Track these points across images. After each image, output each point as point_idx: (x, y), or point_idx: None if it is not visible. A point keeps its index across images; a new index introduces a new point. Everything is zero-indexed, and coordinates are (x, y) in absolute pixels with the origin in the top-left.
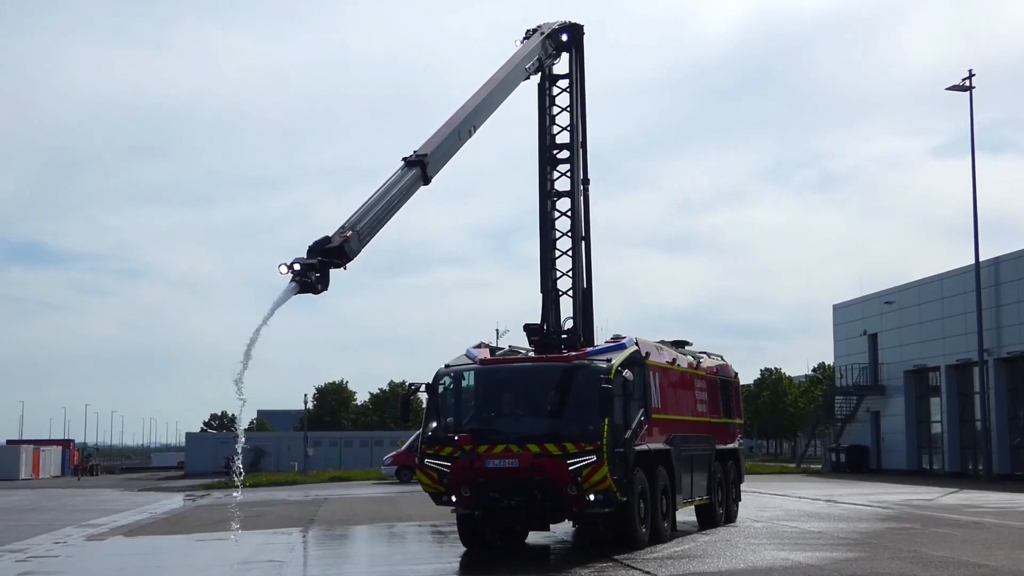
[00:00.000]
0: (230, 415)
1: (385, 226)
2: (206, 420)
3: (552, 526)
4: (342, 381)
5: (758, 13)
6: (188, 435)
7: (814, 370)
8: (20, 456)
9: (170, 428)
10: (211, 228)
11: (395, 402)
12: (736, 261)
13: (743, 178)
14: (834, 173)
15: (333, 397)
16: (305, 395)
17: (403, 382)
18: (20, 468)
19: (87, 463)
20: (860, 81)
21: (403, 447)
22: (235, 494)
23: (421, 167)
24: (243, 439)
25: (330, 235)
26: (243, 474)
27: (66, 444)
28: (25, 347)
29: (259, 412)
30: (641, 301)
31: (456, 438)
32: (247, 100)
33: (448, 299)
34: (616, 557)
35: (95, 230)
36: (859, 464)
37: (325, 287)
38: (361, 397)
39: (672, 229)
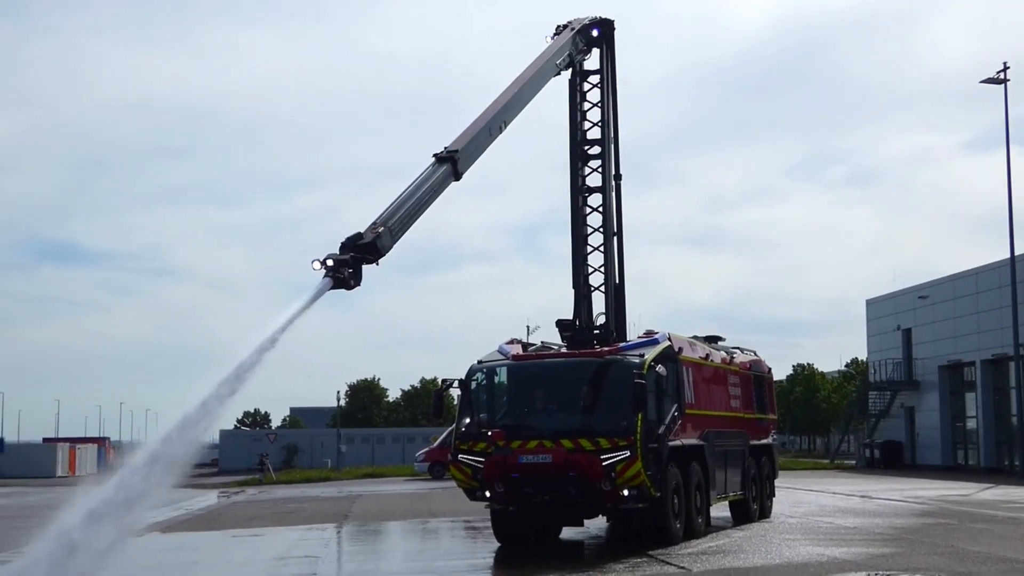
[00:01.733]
0: (263, 412)
1: (416, 222)
2: (239, 418)
3: (586, 521)
4: (374, 378)
5: (786, 9)
6: (222, 432)
7: (847, 366)
8: (56, 454)
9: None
10: (240, 227)
11: (427, 399)
12: (767, 258)
13: (772, 175)
14: (864, 169)
15: (365, 394)
16: (337, 392)
17: (435, 379)
18: (57, 466)
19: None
20: (890, 76)
21: (435, 443)
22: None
23: (452, 163)
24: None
25: (362, 231)
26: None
27: (101, 442)
28: (59, 346)
29: (292, 410)
30: (672, 297)
31: (489, 434)
32: (274, 100)
33: (478, 296)
34: (651, 553)
35: (125, 230)
36: (893, 460)
37: (358, 283)
38: (393, 394)
39: (702, 226)
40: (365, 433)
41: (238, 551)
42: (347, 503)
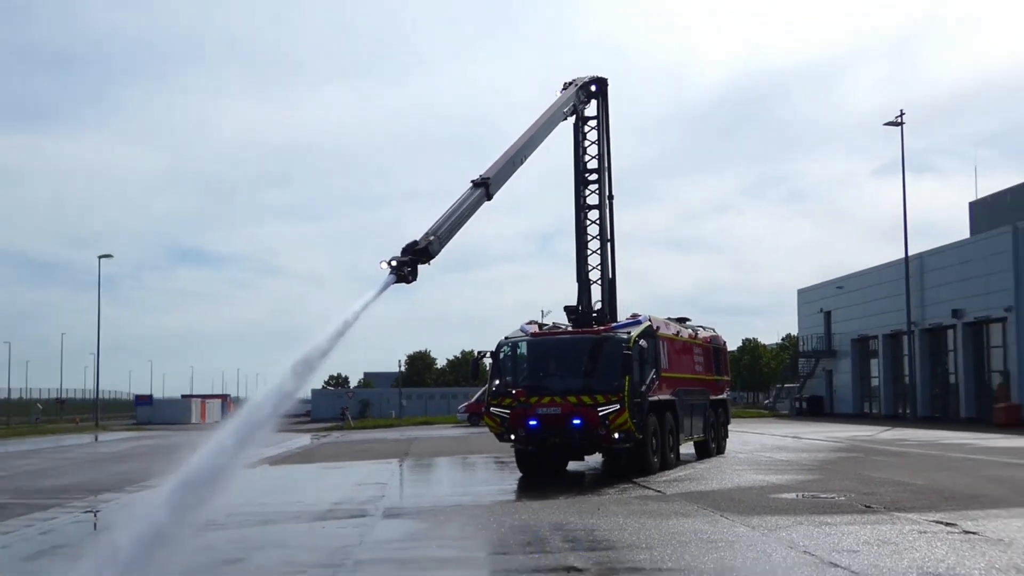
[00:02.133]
0: (343, 375)
1: (458, 233)
2: (325, 380)
3: (586, 458)
4: (426, 350)
5: (740, 66)
6: (313, 391)
7: (783, 339)
8: (191, 407)
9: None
10: (327, 236)
11: (466, 366)
12: (724, 257)
13: (731, 194)
14: (799, 190)
15: (419, 362)
16: (399, 360)
17: (472, 351)
18: (191, 415)
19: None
20: (818, 119)
21: (473, 399)
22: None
23: (485, 187)
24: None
25: (418, 240)
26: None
27: (224, 398)
28: (193, 327)
29: (365, 374)
30: (652, 288)
31: (514, 392)
32: (352, 140)
33: (504, 288)
34: (635, 480)
35: (243, 239)
36: (817, 409)
37: (415, 278)
38: (440, 362)
39: (676, 233)
40: (419, 391)
41: (327, 478)
42: (406, 444)
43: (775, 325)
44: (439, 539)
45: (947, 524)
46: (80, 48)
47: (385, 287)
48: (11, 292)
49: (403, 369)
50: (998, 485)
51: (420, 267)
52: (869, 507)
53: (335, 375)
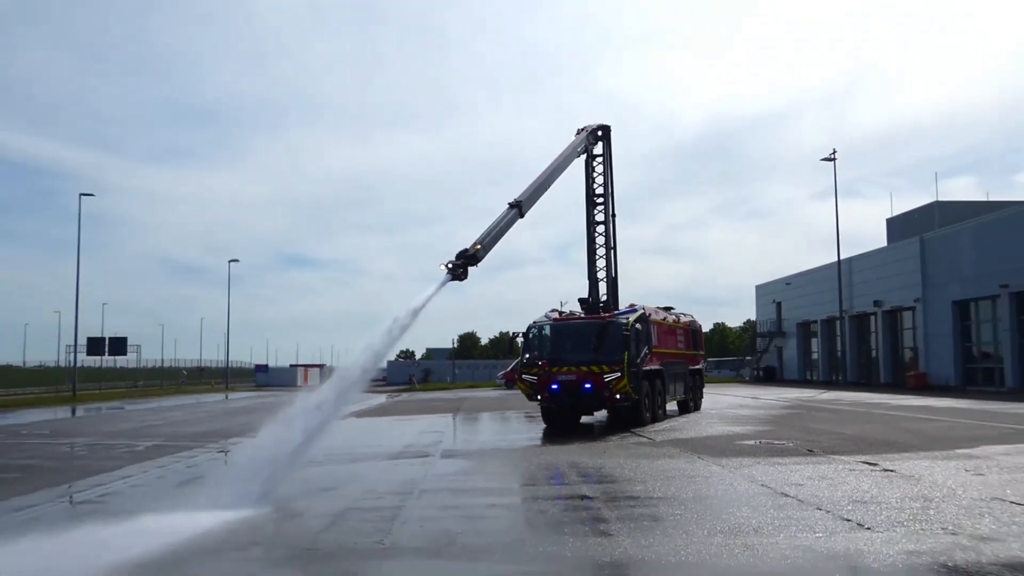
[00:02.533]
0: (410, 350)
1: (499, 243)
2: (398, 353)
3: (595, 413)
4: (472, 332)
5: (712, 114)
6: (389, 362)
7: (744, 323)
8: (297, 373)
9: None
10: (396, 246)
11: (504, 343)
12: (700, 262)
13: (704, 212)
14: (758, 209)
15: (467, 340)
16: (452, 339)
17: (508, 332)
18: (297, 380)
19: None
20: (773, 153)
21: (508, 369)
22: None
23: (519, 207)
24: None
25: (468, 248)
26: (417, 383)
27: (321, 366)
28: (298, 313)
29: (427, 349)
30: (644, 285)
31: (540, 363)
32: (415, 171)
33: (532, 285)
34: (632, 430)
35: (334, 247)
36: (770, 377)
37: (465, 277)
38: (483, 340)
39: (662, 243)
40: (468, 363)
41: (399, 428)
42: (458, 402)
43: (738, 313)
44: (483, 473)
45: (871, 464)
46: (214, 105)
47: (443, 284)
48: (165, 288)
49: (455, 345)
50: (910, 435)
51: (470, 269)
52: (811, 451)
53: (405, 350)
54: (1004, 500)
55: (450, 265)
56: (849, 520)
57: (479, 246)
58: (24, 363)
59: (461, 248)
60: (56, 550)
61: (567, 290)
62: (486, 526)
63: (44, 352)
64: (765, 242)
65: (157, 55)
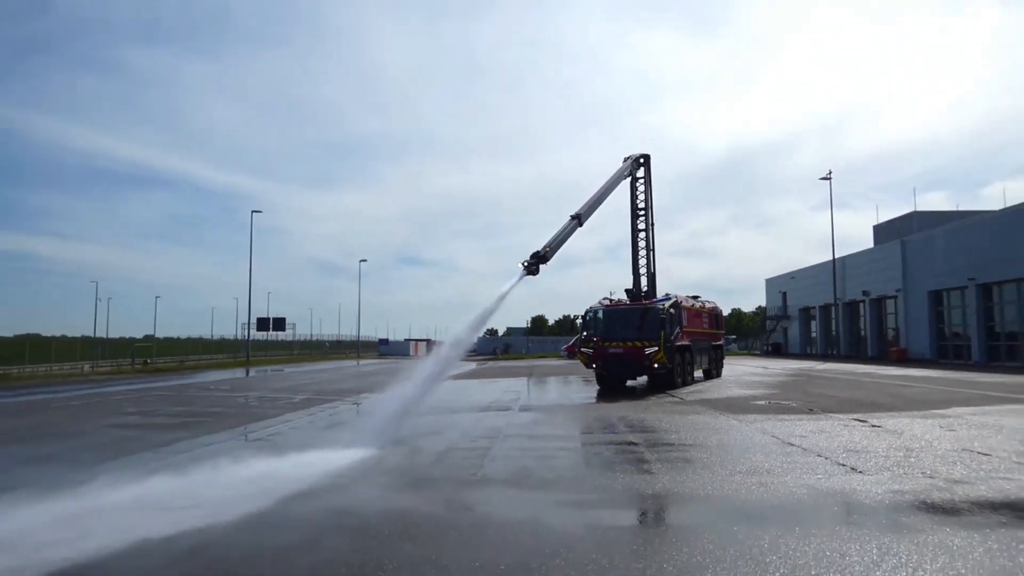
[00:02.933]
0: (494, 328)
1: (563, 247)
2: (486, 330)
3: (637, 379)
4: (542, 315)
5: (729, 143)
6: (479, 338)
7: (756, 308)
8: (410, 346)
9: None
10: (486, 249)
11: (567, 324)
12: (718, 261)
13: (722, 222)
14: (766, 218)
15: (538, 321)
16: (527, 320)
17: (570, 315)
18: (410, 351)
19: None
20: (780, 174)
21: (570, 343)
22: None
23: (579, 219)
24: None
25: (540, 250)
26: (502, 353)
27: (428, 341)
28: (410, 301)
29: (507, 328)
30: (676, 278)
31: (595, 339)
32: (502, 192)
33: (588, 279)
34: (667, 392)
35: (439, 250)
36: (777, 351)
37: (537, 273)
38: (551, 321)
39: (689, 246)
40: (539, 338)
41: (486, 388)
42: (530, 369)
43: (750, 300)
44: (551, 423)
45: (861, 421)
46: (350, 142)
47: (520, 278)
48: (312, 282)
49: (529, 325)
50: (893, 398)
51: (541, 267)
52: (811, 410)
53: (490, 328)
54: (972, 451)
55: (526, 263)
56: (844, 465)
57: (547, 248)
58: (212, 336)
59: (534, 250)
60: (240, 476)
61: (614, 282)
62: (554, 464)
63: (226, 328)
64: (772, 245)
65: (308, 105)
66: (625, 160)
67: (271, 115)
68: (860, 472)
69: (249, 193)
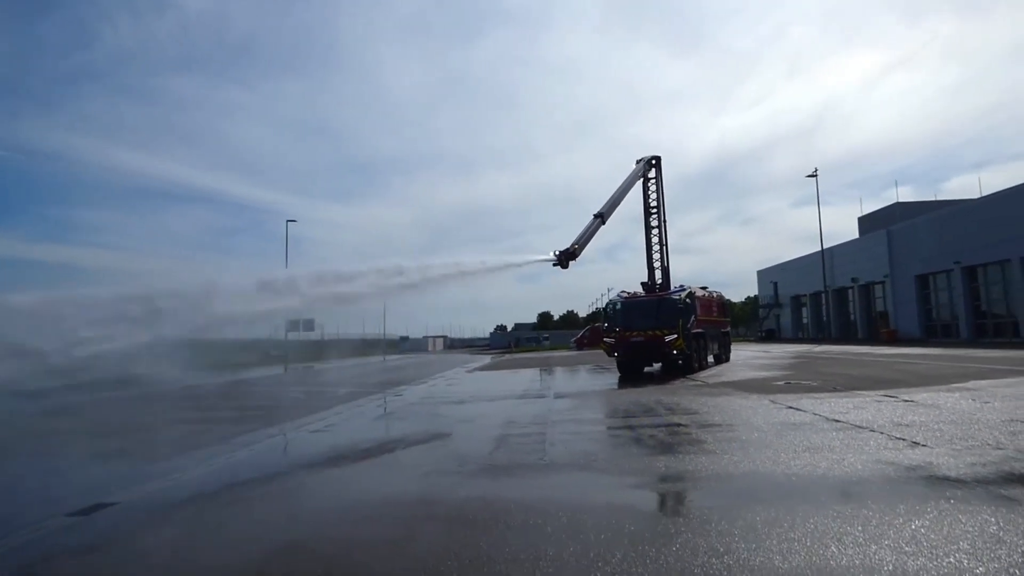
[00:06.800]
0: (504, 324)
1: (590, 244)
2: (496, 326)
3: (655, 365)
4: (548, 311)
5: (717, 149)
6: (491, 333)
7: (745, 299)
8: (428, 342)
9: (485, 330)
10: (494, 251)
11: (572, 318)
12: (708, 256)
13: (711, 222)
14: (751, 217)
15: (544, 316)
16: (537, 315)
17: (575, 311)
18: (428, 346)
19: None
20: (764, 175)
21: (579, 336)
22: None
23: (602, 218)
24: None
25: (568, 248)
26: (514, 347)
27: (444, 337)
28: (425, 303)
29: (515, 323)
30: (680, 273)
31: (616, 329)
32: (505, 199)
33: (609, 273)
34: (686, 376)
35: (450, 255)
36: (771, 336)
37: (566, 267)
38: (556, 317)
39: (680, 245)
40: (547, 332)
41: (513, 377)
42: (546, 360)
43: (738, 291)
44: (591, 408)
45: (891, 396)
46: (368, 160)
47: (545, 259)
48: None
49: (536, 321)
50: (906, 375)
51: (571, 263)
52: (836, 389)
53: (500, 324)
54: (1019, 420)
55: (557, 254)
56: (903, 439)
57: (575, 246)
58: (246, 337)
59: (564, 247)
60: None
61: (633, 276)
62: (613, 447)
63: (260, 330)
64: (756, 240)
65: (329, 127)
66: (638, 162)
67: (297, 136)
68: (925, 446)
69: (279, 207)
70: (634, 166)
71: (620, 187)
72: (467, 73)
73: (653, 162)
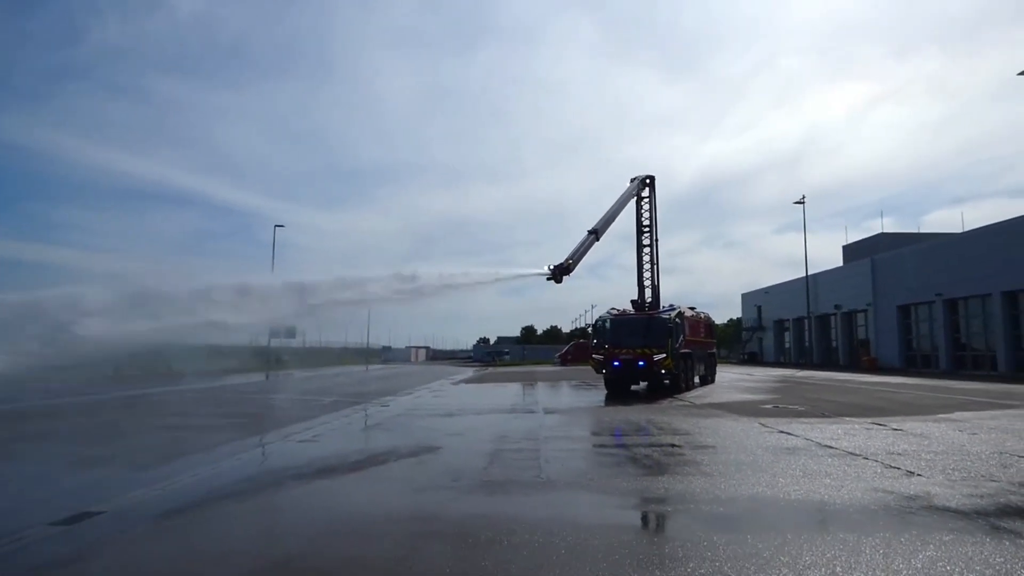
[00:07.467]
0: (487, 337)
1: (584, 259)
2: (479, 338)
3: (641, 383)
4: (531, 325)
5: (702, 173)
6: (474, 345)
7: (727, 321)
8: (411, 352)
9: (468, 342)
10: (479, 264)
11: (555, 333)
12: (691, 277)
13: (695, 244)
14: (734, 240)
15: (528, 331)
16: (521, 329)
17: (558, 326)
18: (410, 356)
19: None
20: (743, 202)
21: (563, 351)
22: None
23: (596, 234)
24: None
25: (562, 262)
26: (496, 360)
27: (427, 348)
28: (409, 312)
29: (498, 337)
30: (664, 293)
31: (605, 346)
32: (491, 213)
33: (592, 290)
34: (673, 396)
35: (439, 266)
36: (753, 360)
37: (560, 281)
38: (539, 331)
39: (668, 265)
40: (531, 347)
41: (500, 391)
42: (531, 375)
43: (720, 312)
44: (581, 425)
45: (879, 425)
46: (356, 168)
47: (538, 273)
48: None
49: (520, 335)
50: (890, 403)
51: (565, 278)
52: (824, 414)
53: (483, 337)
54: (1007, 453)
55: (551, 268)
56: (897, 468)
57: (570, 261)
58: (227, 343)
59: (559, 262)
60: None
61: (623, 294)
62: (610, 466)
63: (238, 336)
64: (738, 264)
65: (318, 133)
66: (632, 180)
67: (285, 142)
68: (920, 475)
69: (267, 212)
70: (628, 184)
71: (614, 204)
72: (459, 85)
73: (647, 181)
